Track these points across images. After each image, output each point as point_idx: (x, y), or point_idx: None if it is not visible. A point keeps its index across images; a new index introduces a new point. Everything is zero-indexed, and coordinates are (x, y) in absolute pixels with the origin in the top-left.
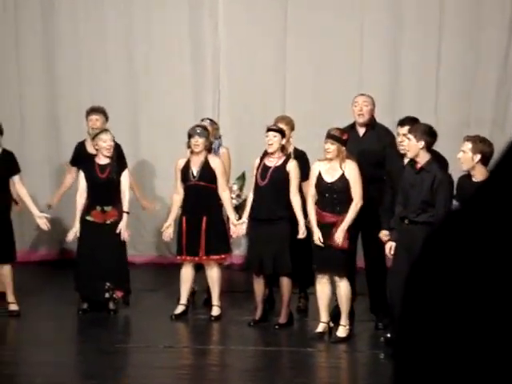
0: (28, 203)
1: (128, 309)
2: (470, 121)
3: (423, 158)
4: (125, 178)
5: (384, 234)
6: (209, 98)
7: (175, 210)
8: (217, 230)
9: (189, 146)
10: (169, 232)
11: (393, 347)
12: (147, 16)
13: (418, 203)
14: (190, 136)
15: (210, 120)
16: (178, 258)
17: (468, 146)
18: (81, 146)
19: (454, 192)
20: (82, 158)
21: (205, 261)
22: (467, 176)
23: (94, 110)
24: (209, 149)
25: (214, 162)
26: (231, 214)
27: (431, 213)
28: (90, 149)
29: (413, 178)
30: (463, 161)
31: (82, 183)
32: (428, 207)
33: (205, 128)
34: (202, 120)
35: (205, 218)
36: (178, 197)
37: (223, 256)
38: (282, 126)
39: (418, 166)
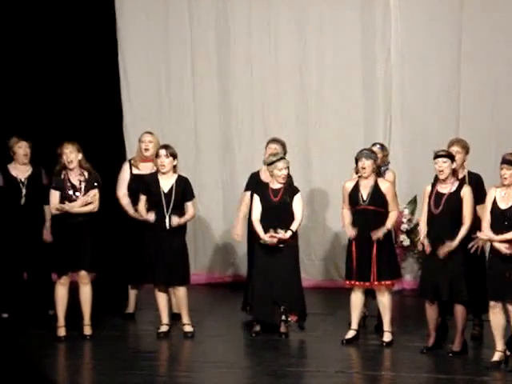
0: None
1: (299, 332)
2: None
3: None
4: (297, 201)
5: None
6: (380, 124)
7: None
8: (388, 255)
9: (357, 172)
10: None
11: None
12: (319, 42)
13: None
14: (357, 160)
15: (381, 145)
16: (348, 282)
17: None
18: (256, 176)
19: None
20: (255, 186)
21: (376, 286)
22: None
23: (274, 140)
24: (377, 172)
25: (384, 186)
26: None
27: None
28: (264, 176)
29: None
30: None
31: (257, 206)
32: None
33: (371, 151)
34: (373, 145)
35: (375, 243)
36: (347, 211)
37: (394, 281)
38: (457, 148)
39: None
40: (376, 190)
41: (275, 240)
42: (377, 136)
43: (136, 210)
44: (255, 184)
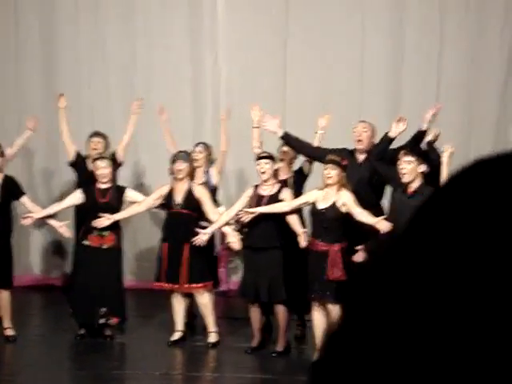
0: (45, 217)
1: (125, 335)
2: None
3: (417, 182)
4: (131, 193)
5: None
6: (208, 124)
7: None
8: (200, 258)
9: (172, 173)
10: None
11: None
12: (149, 42)
13: None
14: (173, 161)
15: (204, 144)
16: (156, 284)
17: None
18: (83, 161)
19: None
20: (82, 174)
21: (186, 289)
22: None
23: (96, 134)
24: (192, 175)
25: (198, 191)
26: (226, 228)
27: None
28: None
29: (406, 204)
30: None
31: (71, 201)
32: None
33: (187, 153)
34: (197, 145)
35: (187, 246)
36: (138, 207)
37: (205, 285)
38: (286, 149)
39: (411, 190)
40: (190, 195)
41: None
42: (204, 136)
43: None
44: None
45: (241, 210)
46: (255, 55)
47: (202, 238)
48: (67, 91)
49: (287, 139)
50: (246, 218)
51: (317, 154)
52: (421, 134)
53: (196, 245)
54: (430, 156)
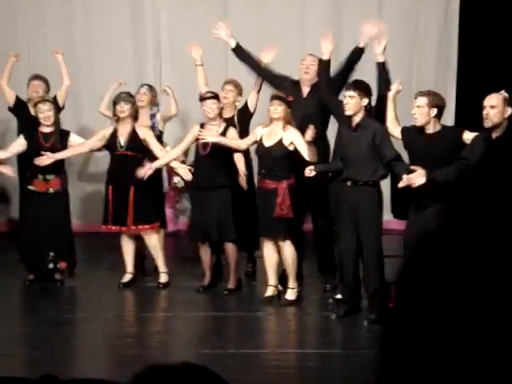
0: None
1: (75, 279)
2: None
3: (359, 116)
4: (75, 138)
5: None
6: (150, 65)
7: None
8: (146, 199)
9: (114, 114)
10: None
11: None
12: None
13: (360, 161)
14: (114, 103)
15: (149, 86)
16: (104, 227)
17: (424, 100)
18: (24, 105)
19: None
20: (23, 119)
21: (133, 231)
22: (419, 130)
23: (37, 77)
24: (135, 116)
25: (142, 132)
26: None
27: (373, 170)
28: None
29: (350, 137)
30: (419, 115)
31: (15, 148)
32: (370, 164)
33: (129, 94)
34: (141, 86)
35: (132, 188)
36: (81, 147)
37: (152, 226)
38: (230, 87)
39: (354, 123)
40: (134, 136)
41: None
42: (147, 77)
43: None
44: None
45: (201, 131)
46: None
47: (146, 171)
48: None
49: (239, 52)
50: (203, 139)
51: (266, 75)
52: (360, 51)
53: (139, 176)
54: (377, 81)
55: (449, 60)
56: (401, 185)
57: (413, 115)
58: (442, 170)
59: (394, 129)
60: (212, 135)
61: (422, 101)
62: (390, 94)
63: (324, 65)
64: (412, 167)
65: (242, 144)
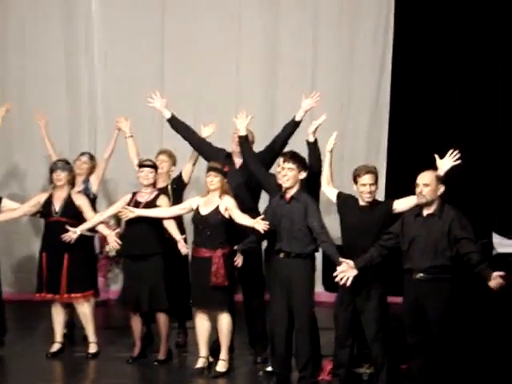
0: None
1: (4, 348)
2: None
3: (295, 188)
4: (8, 203)
5: None
6: (85, 133)
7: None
8: (79, 267)
9: (51, 181)
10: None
11: None
12: (22, 53)
13: (293, 234)
14: (51, 171)
15: (90, 154)
16: (37, 295)
17: (373, 178)
18: None
19: (398, 229)
20: None
21: (66, 299)
22: (354, 200)
23: None
24: (72, 183)
25: (78, 199)
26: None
27: (305, 243)
28: None
29: (283, 209)
30: (371, 194)
31: None
32: (303, 236)
33: (67, 162)
34: (82, 154)
35: (66, 255)
36: (13, 213)
37: (84, 294)
38: (163, 157)
39: (289, 196)
40: (69, 202)
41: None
42: (82, 145)
43: None
44: None
45: (124, 208)
46: (131, 61)
47: (71, 235)
48: None
49: (174, 123)
50: (126, 217)
51: (200, 147)
52: (296, 125)
53: (65, 240)
54: (309, 159)
55: (381, 126)
56: (337, 279)
57: (361, 193)
58: (367, 255)
59: (330, 191)
60: (132, 212)
61: (372, 179)
62: (328, 148)
63: (242, 139)
64: (340, 259)
65: (164, 212)
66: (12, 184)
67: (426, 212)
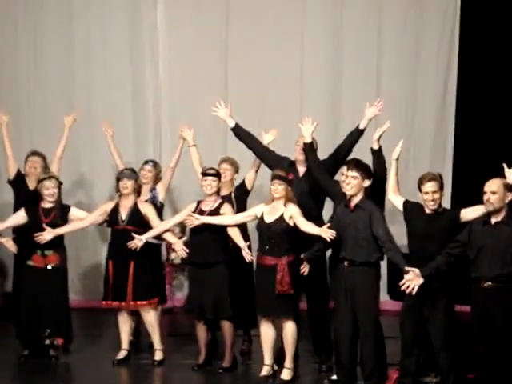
0: None
1: (70, 355)
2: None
3: (359, 196)
4: (76, 212)
5: None
6: (150, 141)
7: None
8: (145, 274)
9: (117, 190)
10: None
11: None
12: (88, 60)
13: (358, 242)
14: (118, 179)
15: (153, 162)
16: (104, 303)
17: (437, 185)
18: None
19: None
20: (23, 193)
21: (132, 307)
22: (420, 208)
23: (35, 153)
24: (138, 192)
25: (144, 207)
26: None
27: (370, 251)
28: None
29: (348, 217)
30: (436, 200)
31: (14, 220)
32: (367, 245)
33: (133, 170)
34: (145, 163)
35: (132, 263)
36: (81, 223)
37: (150, 302)
38: (226, 166)
39: (353, 204)
40: (135, 210)
41: None
42: (148, 154)
43: None
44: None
45: (190, 215)
46: (196, 71)
47: (136, 242)
48: (5, 107)
49: (238, 131)
50: (191, 224)
51: (264, 155)
52: (360, 133)
53: (131, 248)
54: (373, 166)
55: (447, 133)
56: (403, 288)
57: (425, 201)
58: (433, 264)
59: (397, 199)
60: (198, 219)
61: (436, 186)
62: (394, 156)
63: (307, 146)
64: (407, 268)
65: (229, 219)
66: (79, 193)
67: (494, 220)
